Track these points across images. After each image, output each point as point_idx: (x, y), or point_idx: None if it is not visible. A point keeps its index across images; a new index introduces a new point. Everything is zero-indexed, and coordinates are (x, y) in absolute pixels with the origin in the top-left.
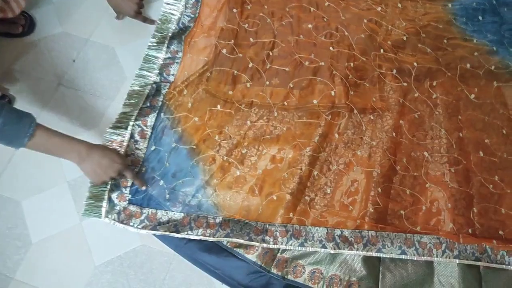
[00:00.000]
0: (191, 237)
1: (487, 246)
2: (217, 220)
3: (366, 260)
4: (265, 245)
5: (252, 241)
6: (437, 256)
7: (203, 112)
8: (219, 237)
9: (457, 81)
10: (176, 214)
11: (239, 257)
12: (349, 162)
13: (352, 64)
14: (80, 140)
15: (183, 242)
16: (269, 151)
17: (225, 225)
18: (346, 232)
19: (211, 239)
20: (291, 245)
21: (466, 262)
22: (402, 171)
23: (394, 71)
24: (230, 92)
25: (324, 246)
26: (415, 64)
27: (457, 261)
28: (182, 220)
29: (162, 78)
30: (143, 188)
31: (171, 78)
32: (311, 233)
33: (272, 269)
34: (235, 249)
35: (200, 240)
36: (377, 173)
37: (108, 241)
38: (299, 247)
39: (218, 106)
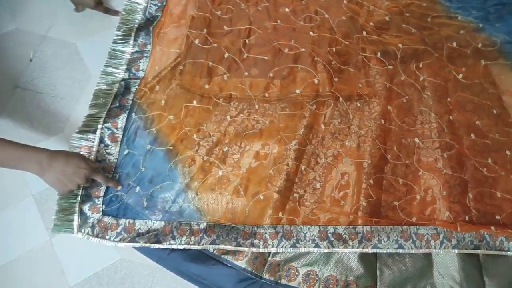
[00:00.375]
0: (174, 246)
1: (485, 233)
2: (201, 226)
3: (362, 257)
4: (254, 249)
5: (241, 246)
6: (435, 248)
7: (178, 109)
8: (205, 245)
9: (445, 61)
10: (156, 223)
11: (227, 264)
12: (337, 154)
13: (334, 49)
14: (39, 148)
15: (166, 252)
16: (252, 147)
17: (210, 231)
18: (340, 229)
19: (196, 247)
20: (282, 247)
21: (465, 251)
22: (393, 160)
23: (379, 54)
24: (207, 86)
25: (317, 246)
26: (400, 45)
27: (456, 251)
28: (163, 229)
29: (131, 74)
30: (119, 188)
31: (141, 74)
32: (303, 232)
33: (264, 274)
34: (222, 256)
35: (184, 250)
36: (367, 164)
37: (83, 258)
38: (291, 249)
39: (194, 102)
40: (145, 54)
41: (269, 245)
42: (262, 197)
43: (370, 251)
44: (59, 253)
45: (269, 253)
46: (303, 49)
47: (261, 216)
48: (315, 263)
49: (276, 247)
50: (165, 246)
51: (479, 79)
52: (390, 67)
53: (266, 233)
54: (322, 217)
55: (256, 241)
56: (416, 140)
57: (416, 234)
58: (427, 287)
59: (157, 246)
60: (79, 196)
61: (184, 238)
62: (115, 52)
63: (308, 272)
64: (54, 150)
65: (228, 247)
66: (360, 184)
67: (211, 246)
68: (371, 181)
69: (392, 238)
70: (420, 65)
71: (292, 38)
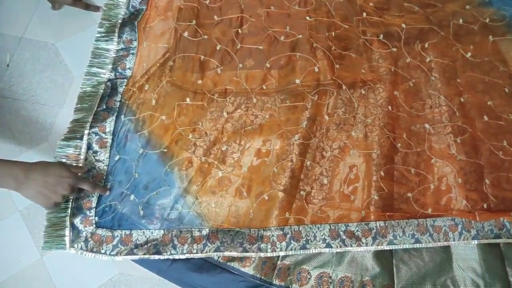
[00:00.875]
0: (176, 257)
1: (505, 221)
2: (204, 233)
3: (378, 254)
4: (262, 254)
5: (247, 252)
6: (454, 240)
7: (170, 109)
8: (209, 252)
9: (451, 40)
10: (155, 232)
11: (234, 272)
12: (344, 145)
13: (333, 34)
14: (13, 162)
15: (167, 264)
16: (252, 144)
17: (213, 237)
18: (352, 226)
19: (199, 255)
20: (291, 249)
21: (485, 241)
22: (403, 149)
23: (381, 36)
24: (199, 81)
25: (328, 246)
26: (403, 25)
27: (476, 242)
28: (162, 238)
29: (117, 73)
30: (107, 193)
31: (128, 73)
32: (313, 232)
33: (274, 280)
34: (228, 263)
35: (187, 259)
36: (376, 155)
37: (78, 275)
38: (301, 251)
39: (188, 99)
40: (131, 51)
41: (277, 248)
42: (266, 197)
43: (385, 248)
44: (51, 272)
45: (278, 256)
46: (300, 36)
47: (267, 217)
48: (328, 264)
49: (285, 250)
50: (166, 257)
51: (488, 56)
52: (394, 49)
53: (273, 235)
54: (331, 214)
55: (263, 245)
56: (426, 126)
57: (433, 226)
58: (448, 282)
59: (157, 257)
60: (69, 209)
61: (185, 246)
62: (99, 50)
63: (321, 275)
64: (31, 162)
65: (234, 254)
66: (370, 177)
67: (215, 253)
68: (382, 173)
69: (408, 232)
70: (426, 46)
71: (287, 25)
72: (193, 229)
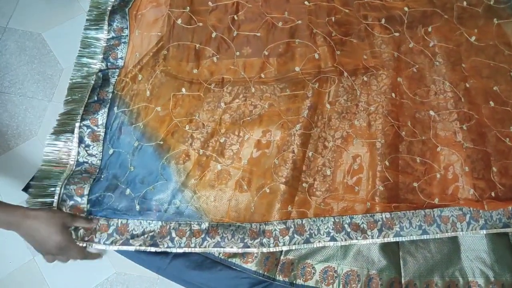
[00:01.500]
0: (173, 250)
1: None
2: (203, 226)
3: (384, 247)
4: (264, 249)
5: (249, 247)
6: (462, 230)
7: (166, 100)
8: (208, 248)
9: (455, 23)
10: (152, 223)
11: (236, 268)
12: (346, 135)
13: (333, 19)
14: (11, 207)
15: (166, 261)
16: (252, 135)
17: (213, 232)
18: (357, 219)
19: (197, 250)
20: (295, 243)
21: (494, 231)
22: (408, 137)
23: (383, 20)
24: (195, 71)
25: (333, 239)
26: (405, 9)
27: (485, 231)
28: (160, 230)
29: (109, 64)
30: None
31: (120, 63)
32: (316, 225)
33: (277, 276)
34: (229, 259)
35: (186, 256)
36: (381, 144)
37: (72, 275)
38: (305, 245)
39: (183, 90)
40: (123, 40)
41: (280, 243)
42: (268, 190)
43: (392, 240)
44: (44, 273)
45: (281, 251)
46: (299, 21)
47: (269, 211)
48: (332, 258)
49: (288, 245)
50: (163, 249)
51: (493, 40)
52: (396, 34)
53: (275, 229)
54: (335, 206)
55: (265, 240)
56: (431, 113)
57: (440, 217)
58: (456, 273)
59: (153, 249)
60: (57, 196)
61: (184, 240)
62: (88, 40)
63: (326, 269)
64: (31, 210)
65: (235, 250)
66: (374, 167)
67: (215, 249)
68: (387, 163)
69: (414, 223)
70: (429, 29)
71: (285, 10)
72: (192, 223)
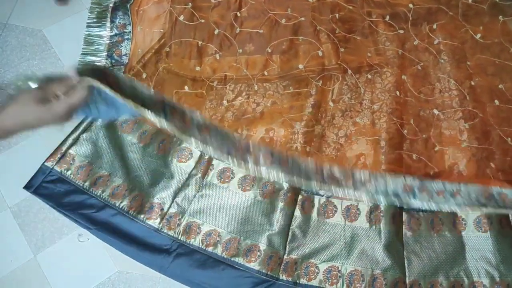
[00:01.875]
0: (158, 125)
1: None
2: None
3: (388, 246)
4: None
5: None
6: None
7: (168, 97)
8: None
9: (460, 20)
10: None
11: (239, 268)
12: (350, 133)
13: (337, 15)
14: None
15: (169, 260)
16: (255, 133)
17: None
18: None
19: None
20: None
21: (492, 211)
22: (411, 136)
23: (387, 17)
24: (198, 68)
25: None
26: (410, 6)
27: (484, 210)
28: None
29: (113, 61)
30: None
31: (125, 60)
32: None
33: (281, 275)
34: (232, 258)
35: (190, 255)
36: (385, 142)
37: (74, 274)
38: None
39: (186, 87)
40: (126, 37)
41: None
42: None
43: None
44: (46, 271)
45: (284, 251)
46: (303, 18)
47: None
48: (336, 258)
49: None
50: (150, 117)
51: (498, 38)
52: (401, 31)
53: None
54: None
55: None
56: (435, 111)
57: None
58: (461, 273)
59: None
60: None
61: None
62: (91, 37)
63: (329, 268)
64: None
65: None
66: (379, 165)
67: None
68: (390, 161)
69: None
70: (434, 27)
71: (289, 7)
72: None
